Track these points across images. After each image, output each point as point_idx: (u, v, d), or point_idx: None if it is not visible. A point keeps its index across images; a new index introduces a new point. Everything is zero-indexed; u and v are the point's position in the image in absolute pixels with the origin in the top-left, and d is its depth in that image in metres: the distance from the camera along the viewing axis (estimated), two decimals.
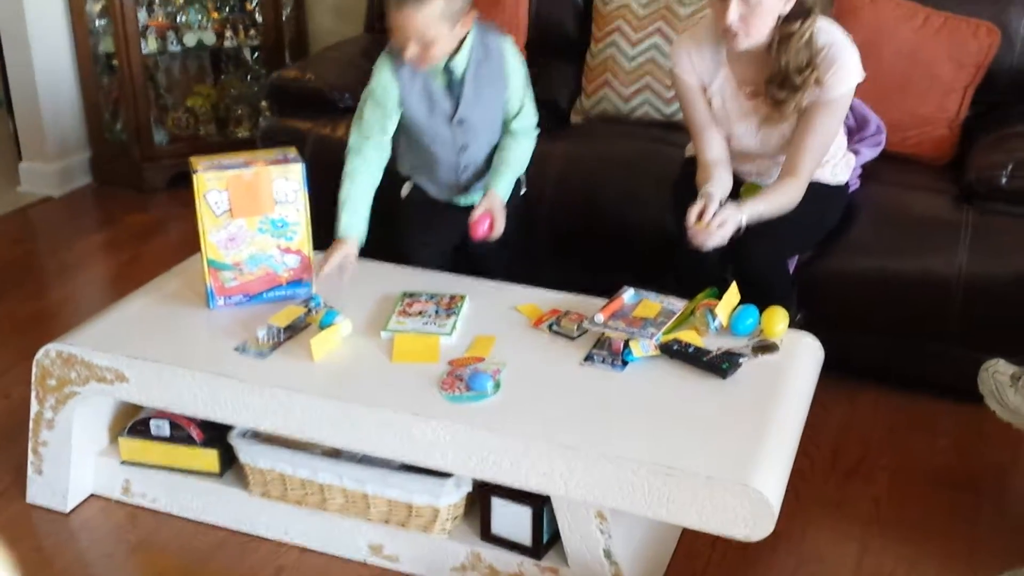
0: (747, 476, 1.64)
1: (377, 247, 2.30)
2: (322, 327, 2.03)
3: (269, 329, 2.03)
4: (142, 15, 3.65)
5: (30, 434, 2.14)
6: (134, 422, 2.15)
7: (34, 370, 2.08)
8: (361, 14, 3.53)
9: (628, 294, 2.10)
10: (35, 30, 3.62)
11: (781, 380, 1.91)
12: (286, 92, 3.11)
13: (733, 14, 2.12)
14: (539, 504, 1.86)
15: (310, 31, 4.02)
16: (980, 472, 2.31)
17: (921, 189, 2.60)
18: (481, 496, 1.92)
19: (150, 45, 3.67)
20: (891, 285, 2.45)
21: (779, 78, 2.20)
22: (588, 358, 1.97)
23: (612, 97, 3.03)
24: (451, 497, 1.93)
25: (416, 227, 2.41)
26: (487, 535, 1.94)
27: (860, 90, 2.28)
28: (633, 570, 1.85)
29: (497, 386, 1.88)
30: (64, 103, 3.78)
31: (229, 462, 2.12)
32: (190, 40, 3.71)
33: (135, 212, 3.68)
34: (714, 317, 2.01)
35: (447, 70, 2.21)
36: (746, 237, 2.16)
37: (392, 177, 2.36)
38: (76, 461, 2.15)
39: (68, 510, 2.17)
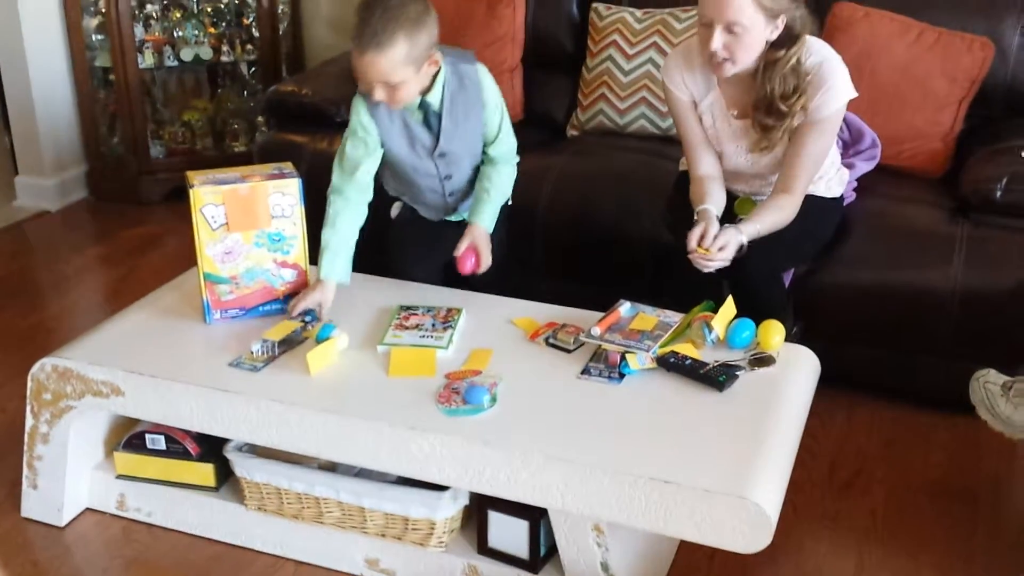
0: (744, 489, 1.64)
1: (370, 267, 2.30)
2: (318, 341, 2.03)
3: (264, 344, 2.03)
4: (139, 30, 3.66)
5: (25, 448, 2.14)
6: (129, 436, 2.14)
7: (29, 384, 2.07)
8: None
9: (624, 307, 2.11)
10: (32, 44, 3.63)
11: (778, 393, 1.91)
12: (283, 106, 3.12)
13: (717, 42, 2.12)
14: (536, 517, 1.85)
15: (307, 46, 4.03)
16: (976, 483, 2.31)
17: (916, 202, 2.61)
18: (478, 509, 1.92)
19: (147, 60, 3.68)
20: (886, 298, 2.46)
21: (764, 104, 2.20)
22: (585, 371, 1.97)
23: (608, 111, 3.04)
24: (448, 510, 1.93)
25: (408, 246, 2.40)
26: (484, 548, 1.94)
27: (855, 104, 2.29)
28: None
29: (494, 399, 1.88)
30: (61, 117, 3.78)
31: (225, 476, 2.12)
32: (187, 55, 3.71)
33: (131, 226, 3.68)
34: (711, 330, 2.01)
35: (423, 106, 2.18)
36: (746, 250, 2.16)
37: (381, 197, 2.34)
38: (71, 475, 2.14)
39: (63, 524, 2.17)
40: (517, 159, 2.35)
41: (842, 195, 2.48)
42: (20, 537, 2.15)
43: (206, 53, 3.75)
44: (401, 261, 2.37)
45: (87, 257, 3.48)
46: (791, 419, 1.88)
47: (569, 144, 3.06)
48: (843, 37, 2.73)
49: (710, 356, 1.97)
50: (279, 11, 3.84)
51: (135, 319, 2.20)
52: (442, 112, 2.19)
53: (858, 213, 2.54)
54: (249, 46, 3.81)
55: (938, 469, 2.36)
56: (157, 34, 3.71)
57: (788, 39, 2.16)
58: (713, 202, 2.26)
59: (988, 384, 2.16)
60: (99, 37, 3.73)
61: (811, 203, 2.30)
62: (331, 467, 2.00)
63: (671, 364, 1.94)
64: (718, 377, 1.89)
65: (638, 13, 3.02)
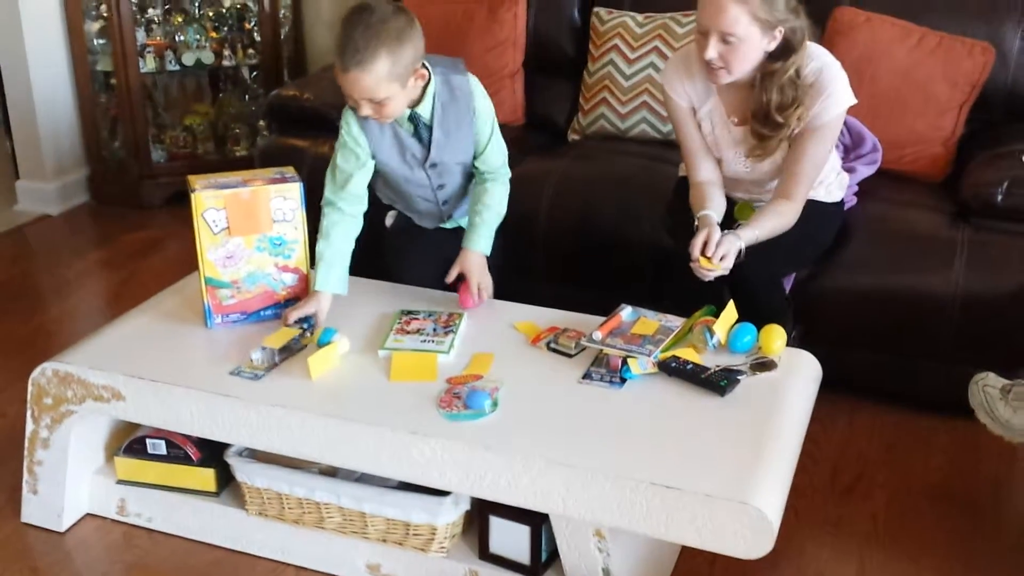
0: (746, 494, 1.63)
1: (368, 272, 2.30)
2: (320, 345, 2.03)
3: (263, 351, 2.02)
4: (140, 34, 3.67)
5: (25, 453, 2.14)
6: (130, 441, 2.14)
7: (30, 389, 2.07)
8: None
9: (626, 311, 2.10)
10: (33, 48, 3.63)
11: (779, 398, 1.91)
12: (284, 111, 3.12)
13: (712, 51, 2.12)
14: (537, 522, 1.85)
15: (308, 50, 4.04)
16: (977, 487, 2.31)
17: (917, 207, 2.61)
18: (479, 514, 1.92)
19: (148, 64, 3.68)
20: (887, 302, 2.46)
21: (762, 114, 2.20)
22: (586, 376, 1.97)
23: (609, 115, 3.04)
24: (449, 515, 1.92)
25: (404, 255, 2.39)
26: (485, 554, 1.94)
27: (856, 108, 2.29)
28: None
29: (495, 404, 1.87)
30: (62, 121, 3.79)
31: (226, 481, 2.12)
32: (188, 59, 3.72)
33: (132, 230, 3.68)
34: (712, 335, 2.01)
35: (413, 118, 2.16)
36: (744, 255, 2.16)
37: (375, 205, 2.33)
38: (71, 480, 2.14)
39: (63, 530, 2.16)
40: (509, 174, 2.30)
41: (843, 199, 2.48)
42: (20, 542, 2.14)
43: (208, 57, 3.75)
44: (398, 270, 2.37)
45: (88, 261, 3.48)
46: (793, 424, 1.88)
47: (570, 148, 3.06)
48: (844, 41, 2.74)
49: (711, 361, 1.97)
50: (281, 15, 3.85)
51: (136, 323, 2.20)
52: (433, 123, 2.16)
53: (859, 217, 2.54)
54: (251, 50, 3.82)
55: (939, 473, 2.36)
56: (159, 38, 3.72)
57: (787, 50, 2.15)
58: (713, 208, 2.26)
59: (987, 388, 2.16)
60: (100, 41, 3.73)
61: (811, 208, 2.30)
62: (332, 472, 2.00)
63: (672, 369, 1.94)
64: (719, 382, 1.89)
65: (639, 18, 3.03)
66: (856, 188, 2.59)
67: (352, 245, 2.21)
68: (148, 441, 2.11)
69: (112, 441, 2.21)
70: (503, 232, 2.32)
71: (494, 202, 2.25)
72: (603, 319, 2.08)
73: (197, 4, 3.80)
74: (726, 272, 2.13)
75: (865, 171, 2.62)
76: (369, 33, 1.98)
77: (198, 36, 3.75)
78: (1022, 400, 2.11)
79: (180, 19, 3.76)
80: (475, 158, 2.25)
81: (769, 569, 2.00)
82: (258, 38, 3.82)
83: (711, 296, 2.18)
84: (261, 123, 3.86)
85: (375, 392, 1.94)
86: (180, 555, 2.10)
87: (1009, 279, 2.39)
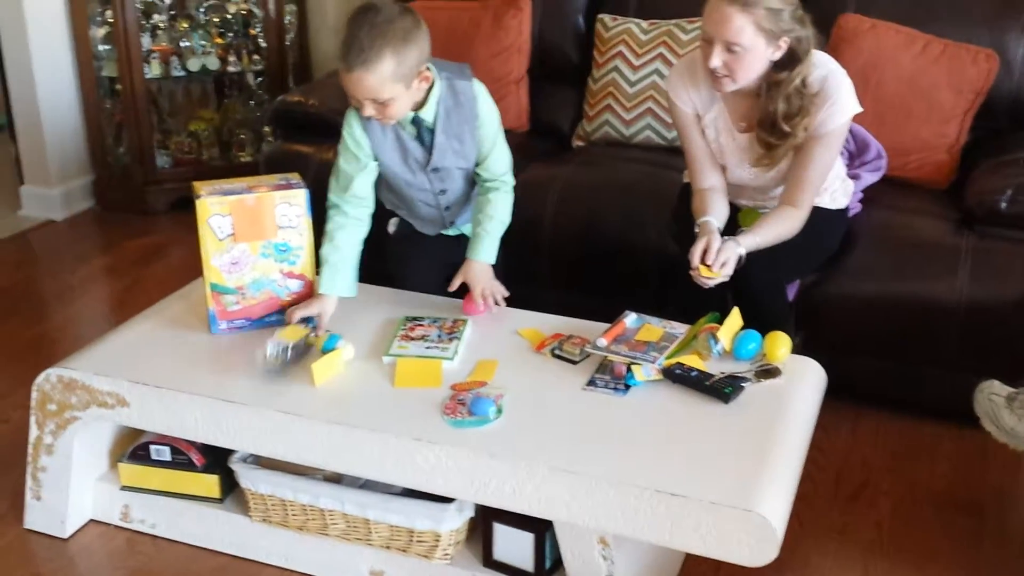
0: (751, 501, 1.63)
1: (371, 277, 2.29)
2: (324, 351, 2.02)
3: (277, 345, 2.00)
4: (146, 40, 3.67)
5: (29, 459, 2.14)
6: (134, 447, 2.14)
7: (34, 395, 2.07)
8: None
9: (630, 318, 2.10)
10: (38, 54, 3.64)
11: (784, 405, 1.90)
12: (289, 117, 3.12)
13: (716, 60, 2.12)
14: (541, 529, 1.85)
15: (313, 56, 4.04)
16: (982, 495, 2.30)
17: (921, 214, 2.61)
18: (483, 521, 1.91)
19: (154, 70, 3.69)
20: (892, 309, 2.45)
21: (768, 123, 2.20)
22: (591, 382, 1.96)
23: (614, 121, 3.04)
24: (453, 522, 1.92)
25: (407, 261, 2.38)
26: (489, 561, 1.93)
27: (861, 116, 2.28)
28: None
29: (499, 411, 1.87)
30: (67, 127, 3.79)
31: (230, 487, 2.11)
32: (194, 65, 3.72)
33: (137, 236, 3.68)
34: (716, 341, 2.01)
35: (416, 121, 2.15)
36: (745, 261, 2.16)
37: (378, 211, 2.31)
38: (75, 486, 2.14)
39: (67, 536, 2.16)
40: (513, 182, 2.28)
41: (847, 206, 2.48)
42: (23, 549, 2.14)
43: (213, 63, 3.76)
44: (401, 278, 2.36)
45: (92, 267, 3.49)
46: (797, 431, 1.87)
47: (575, 155, 3.06)
48: (849, 49, 2.74)
49: (716, 368, 1.97)
50: (286, 21, 3.86)
51: (140, 329, 2.20)
52: (436, 127, 2.16)
53: (863, 224, 2.54)
54: (256, 56, 3.83)
55: (943, 481, 2.35)
56: (164, 44, 3.72)
57: (792, 60, 2.15)
58: (715, 214, 2.25)
59: (992, 396, 2.15)
60: (106, 47, 3.74)
61: (816, 215, 2.30)
62: (336, 479, 2.00)
63: (677, 376, 1.94)
64: (724, 389, 1.89)
65: (644, 24, 3.03)
66: (861, 195, 2.59)
67: (359, 247, 2.21)
68: (152, 447, 2.11)
69: (116, 447, 2.21)
70: (506, 238, 2.33)
71: (497, 212, 2.24)
72: (607, 326, 2.08)
73: (202, 10, 3.80)
74: (726, 279, 2.12)
75: (870, 178, 2.62)
76: (374, 33, 1.99)
77: (203, 42, 3.76)
78: None
79: (185, 25, 3.76)
80: (477, 164, 2.25)
81: None
82: (263, 44, 3.83)
83: (716, 303, 2.18)
84: (266, 129, 3.86)
85: (379, 398, 1.94)
86: (184, 561, 2.10)
87: (1014, 286, 2.39)
